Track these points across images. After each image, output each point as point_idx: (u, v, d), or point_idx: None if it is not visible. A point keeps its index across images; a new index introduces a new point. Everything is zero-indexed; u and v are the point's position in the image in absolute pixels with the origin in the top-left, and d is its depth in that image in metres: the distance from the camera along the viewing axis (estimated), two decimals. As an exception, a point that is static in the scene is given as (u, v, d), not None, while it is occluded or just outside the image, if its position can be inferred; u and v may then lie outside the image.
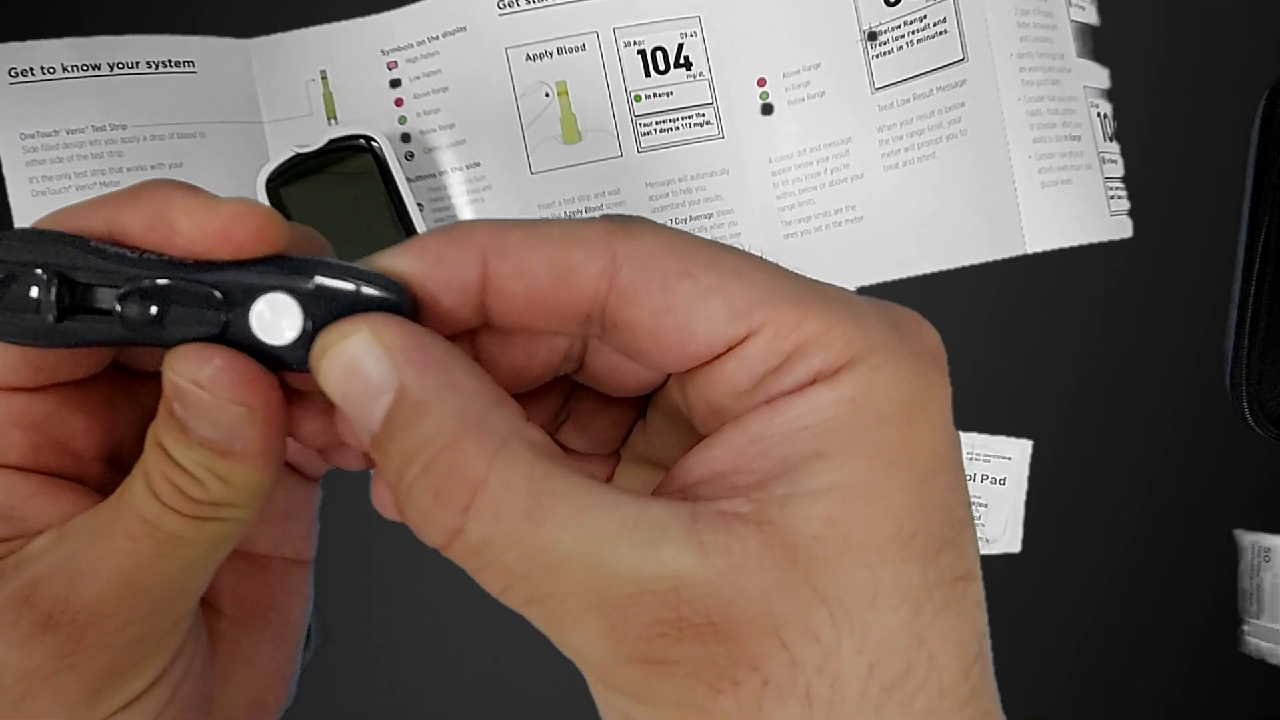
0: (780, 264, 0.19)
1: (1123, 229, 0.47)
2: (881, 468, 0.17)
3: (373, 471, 0.20)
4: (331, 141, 0.45)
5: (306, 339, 0.18)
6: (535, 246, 0.18)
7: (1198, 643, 0.48)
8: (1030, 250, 0.45)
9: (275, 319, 0.18)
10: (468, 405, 0.17)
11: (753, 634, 0.17)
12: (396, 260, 0.19)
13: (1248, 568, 0.48)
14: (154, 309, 0.18)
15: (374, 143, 0.46)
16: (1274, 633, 0.46)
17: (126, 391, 0.22)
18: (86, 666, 0.20)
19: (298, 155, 0.45)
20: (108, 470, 0.22)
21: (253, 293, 0.18)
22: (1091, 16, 0.48)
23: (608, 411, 0.23)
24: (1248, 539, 0.48)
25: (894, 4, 0.46)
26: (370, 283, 0.18)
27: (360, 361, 0.18)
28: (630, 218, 0.19)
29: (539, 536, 0.17)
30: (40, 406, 0.20)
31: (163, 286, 0.18)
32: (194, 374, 0.18)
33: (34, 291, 0.18)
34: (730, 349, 0.18)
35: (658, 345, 0.19)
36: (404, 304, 0.18)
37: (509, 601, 0.18)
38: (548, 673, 0.48)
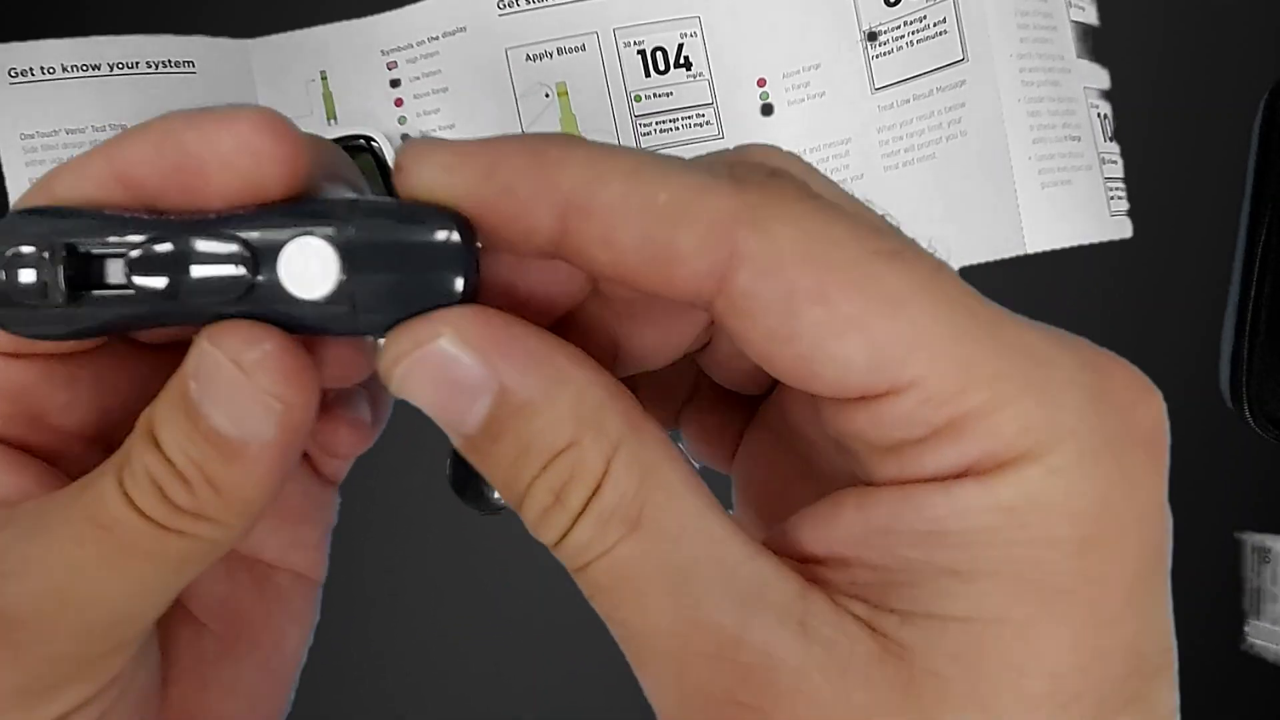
0: (967, 288, 0.15)
1: (1123, 229, 0.47)
2: (1043, 604, 0.13)
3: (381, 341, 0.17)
4: (332, 141, 0.45)
5: (346, 293, 0.15)
6: (633, 215, 0.14)
7: (1198, 642, 0.48)
8: (1030, 250, 0.45)
9: (309, 270, 0.15)
10: (579, 400, 0.15)
11: None
12: (450, 180, 0.15)
13: (1248, 568, 0.48)
14: (169, 273, 0.15)
15: (374, 143, 0.46)
16: (1274, 633, 0.46)
17: (125, 370, 0.19)
18: None
19: (298, 155, 0.45)
20: (86, 450, 0.19)
21: (281, 241, 0.15)
22: (1091, 17, 0.48)
23: (726, 410, 0.21)
24: (1248, 539, 0.48)
25: (894, 4, 0.46)
26: (416, 221, 0.15)
27: (450, 368, 0.15)
28: (772, 183, 0.15)
29: (627, 556, 0.15)
30: (19, 375, 0.18)
31: (177, 245, 0.15)
32: (239, 353, 0.15)
33: (34, 275, 0.15)
34: (864, 398, 0.14)
35: (772, 368, 0.15)
36: (460, 244, 0.15)
37: (594, 604, 0.16)
38: (550, 676, 0.48)
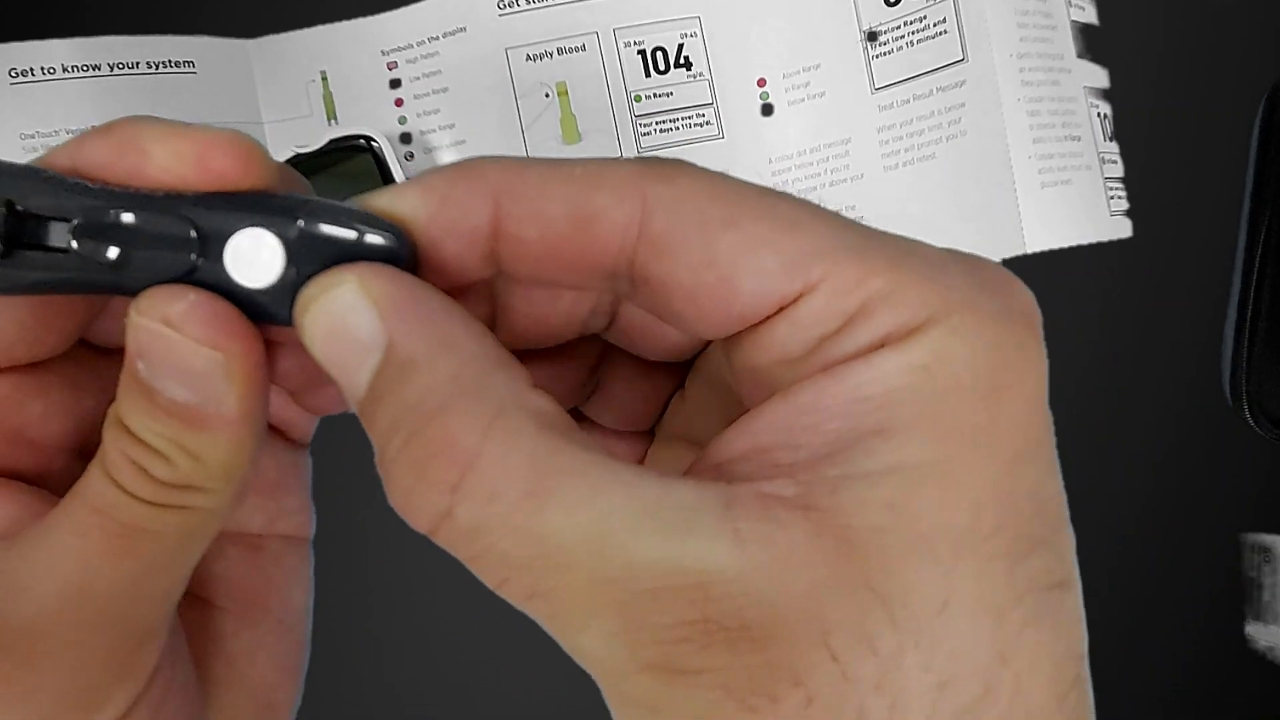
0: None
1: (1122, 229, 0.47)
2: (959, 447, 0.15)
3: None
4: (331, 142, 0.45)
5: (289, 286, 0.16)
6: (554, 187, 0.16)
7: (1198, 643, 0.48)
8: (1030, 250, 0.45)
9: (253, 259, 0.16)
10: (462, 366, 0.15)
11: (795, 641, 0.14)
12: (396, 200, 0.16)
13: (1248, 568, 0.48)
14: (113, 243, 0.15)
15: (374, 143, 0.46)
16: (1274, 633, 0.46)
17: (94, 372, 0.19)
18: (39, 694, 0.17)
19: (298, 155, 0.45)
20: (72, 463, 0.19)
21: (229, 228, 0.16)
22: (1091, 16, 0.48)
23: (642, 381, 0.21)
24: (1248, 539, 0.48)
25: (894, 4, 0.46)
26: (362, 223, 0.16)
27: (346, 317, 0.15)
28: (666, 159, 0.16)
29: (541, 520, 0.14)
30: None
31: (123, 216, 0.15)
32: (163, 310, 0.16)
33: None
34: (781, 310, 0.16)
35: (695, 306, 0.16)
36: (401, 249, 0.16)
37: (509, 596, 0.15)
38: (551, 677, 0.48)
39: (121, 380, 0.16)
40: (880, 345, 0.15)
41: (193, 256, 0.16)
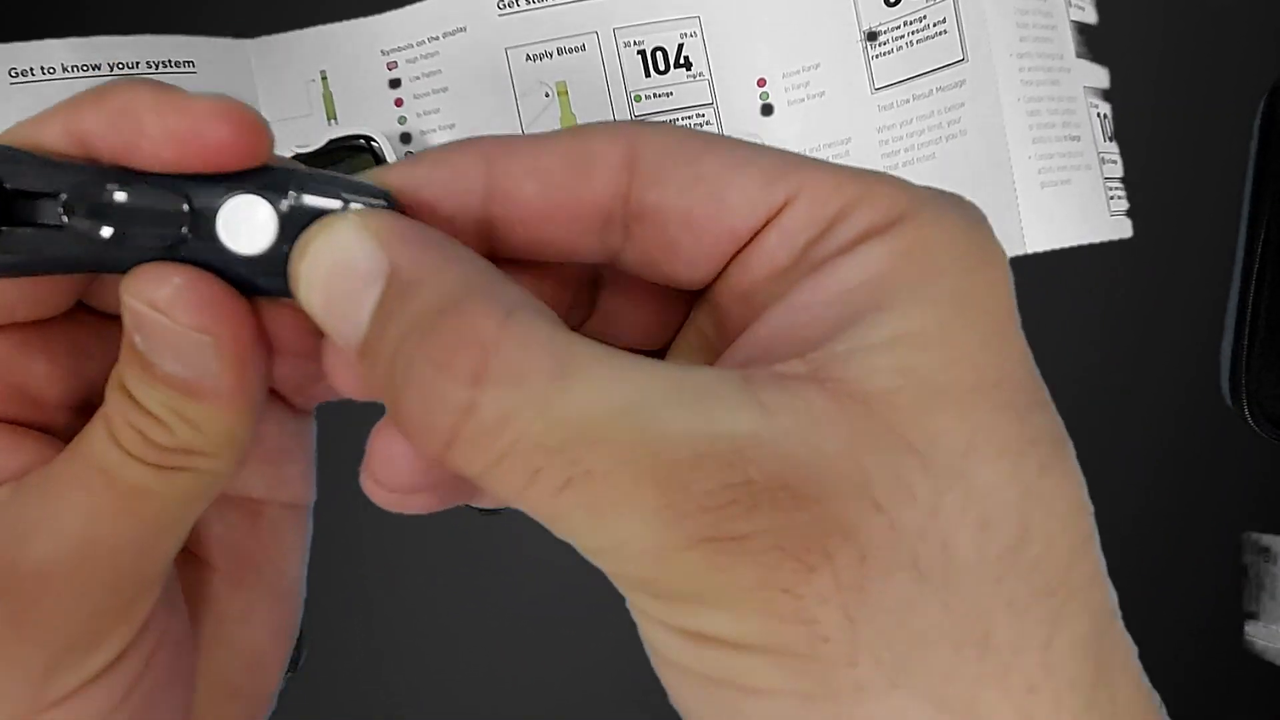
0: None
1: (1122, 229, 0.47)
2: (951, 313, 0.15)
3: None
4: (331, 141, 0.45)
5: (282, 255, 0.16)
6: (547, 141, 0.17)
7: (1198, 643, 0.48)
8: (1030, 250, 0.45)
9: (245, 227, 0.16)
10: (469, 274, 0.15)
11: (838, 496, 0.14)
12: (386, 172, 0.17)
13: (1249, 568, 0.48)
14: (106, 217, 0.16)
15: (374, 143, 0.46)
16: (1275, 633, 0.46)
17: (96, 335, 0.19)
18: (40, 637, 0.17)
19: (297, 156, 0.45)
20: (76, 420, 0.19)
21: (221, 196, 0.16)
22: (1090, 16, 0.48)
23: (649, 304, 0.20)
24: (1249, 539, 0.48)
25: (894, 4, 0.46)
26: (352, 192, 0.16)
27: (347, 250, 0.15)
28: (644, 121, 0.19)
29: (572, 400, 0.14)
30: None
31: (113, 191, 0.16)
32: (151, 295, 0.16)
33: None
34: (768, 223, 0.17)
35: (689, 230, 0.17)
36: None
37: (539, 494, 0.14)
38: (549, 675, 0.48)
39: (123, 346, 0.17)
40: (862, 240, 0.16)
41: (184, 229, 0.16)
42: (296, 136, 0.47)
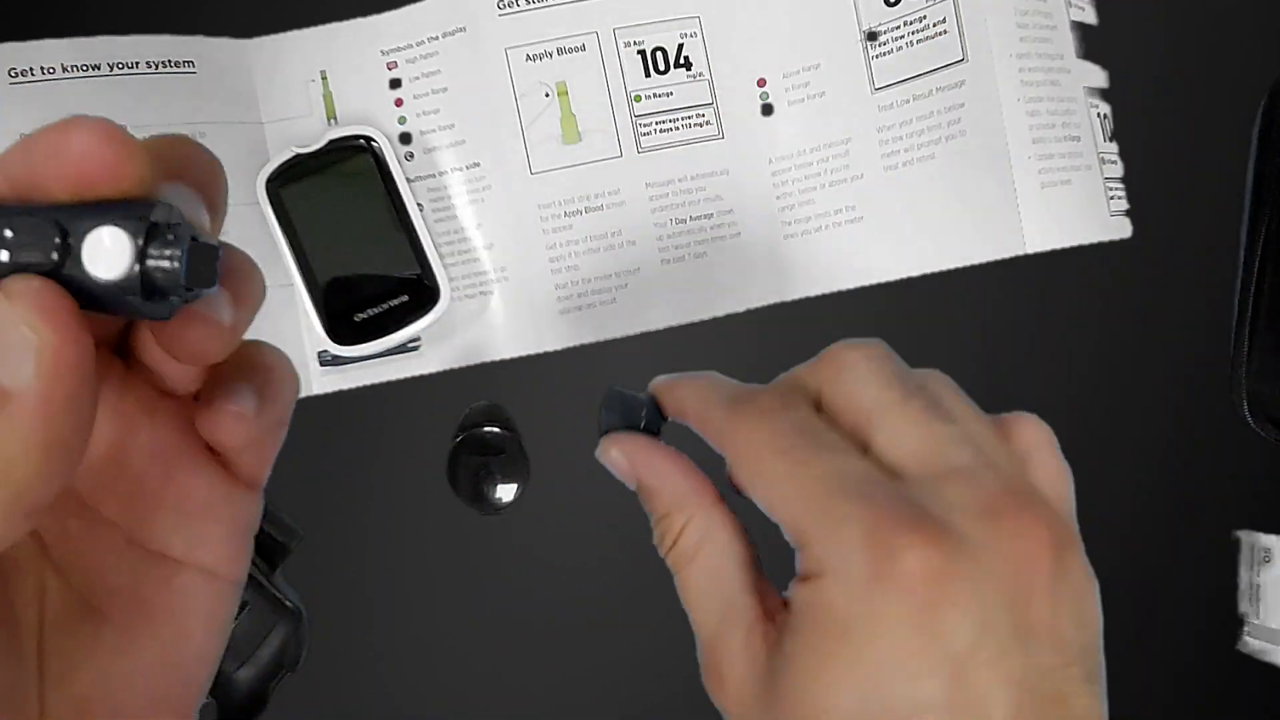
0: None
1: (1122, 229, 0.47)
2: (836, 638, 0.23)
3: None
4: (331, 141, 0.45)
5: (134, 279, 0.18)
6: None
7: (1198, 643, 0.48)
8: (1030, 250, 0.45)
9: (106, 255, 0.18)
10: (674, 490, 0.27)
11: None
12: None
13: (1248, 568, 0.48)
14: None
15: (374, 143, 0.46)
16: (1274, 633, 0.46)
17: None
18: None
19: (297, 155, 0.45)
20: None
21: (86, 226, 0.18)
22: (1090, 16, 0.48)
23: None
24: (1248, 539, 0.48)
25: (894, 4, 0.46)
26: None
27: (619, 464, 0.28)
28: None
29: (688, 574, 0.27)
30: None
31: (2, 227, 0.18)
32: (8, 285, 0.17)
33: None
34: None
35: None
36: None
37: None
38: (549, 675, 0.48)
39: None
40: (805, 578, 0.24)
41: (54, 255, 0.18)
42: (296, 136, 0.47)
